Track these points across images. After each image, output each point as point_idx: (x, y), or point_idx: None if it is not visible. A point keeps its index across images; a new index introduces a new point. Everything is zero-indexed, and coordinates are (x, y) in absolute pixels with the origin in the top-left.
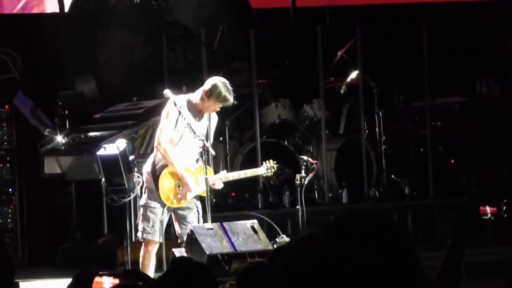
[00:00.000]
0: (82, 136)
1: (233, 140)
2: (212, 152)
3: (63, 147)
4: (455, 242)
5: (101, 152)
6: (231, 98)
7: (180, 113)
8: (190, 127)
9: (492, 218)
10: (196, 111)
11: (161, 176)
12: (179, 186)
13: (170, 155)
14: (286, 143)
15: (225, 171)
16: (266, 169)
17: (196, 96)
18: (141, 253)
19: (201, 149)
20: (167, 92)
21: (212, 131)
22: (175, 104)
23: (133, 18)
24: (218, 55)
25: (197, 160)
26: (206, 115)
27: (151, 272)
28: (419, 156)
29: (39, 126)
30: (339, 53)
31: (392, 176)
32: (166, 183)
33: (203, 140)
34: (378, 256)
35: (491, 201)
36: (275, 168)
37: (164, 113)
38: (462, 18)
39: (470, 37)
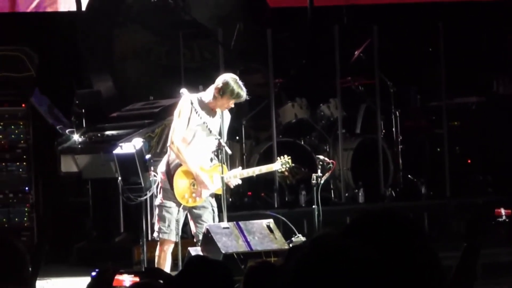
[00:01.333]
0: (99, 134)
1: (249, 139)
2: (228, 151)
3: (79, 146)
4: (470, 244)
5: (117, 150)
6: (244, 94)
7: (196, 111)
8: (206, 126)
9: (507, 220)
10: (209, 109)
11: (175, 175)
12: (194, 185)
13: (184, 154)
14: (302, 143)
15: (239, 167)
16: (280, 164)
17: (208, 94)
18: (157, 253)
19: (217, 148)
20: (183, 91)
21: (225, 129)
22: (192, 103)
23: (150, 17)
24: (234, 54)
25: (211, 159)
26: (218, 113)
27: (166, 270)
28: (435, 155)
29: (55, 124)
30: (356, 53)
31: (409, 175)
32: (180, 182)
33: (219, 139)
34: (395, 256)
35: (506, 203)
36: (290, 164)
37: (176, 112)
38: (478, 17)
39: (486, 36)
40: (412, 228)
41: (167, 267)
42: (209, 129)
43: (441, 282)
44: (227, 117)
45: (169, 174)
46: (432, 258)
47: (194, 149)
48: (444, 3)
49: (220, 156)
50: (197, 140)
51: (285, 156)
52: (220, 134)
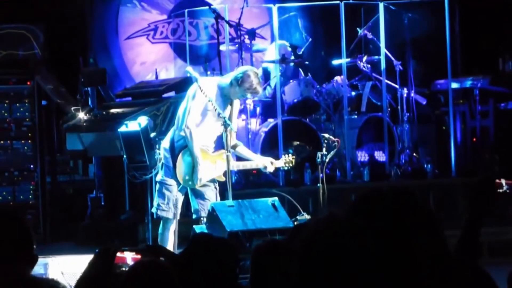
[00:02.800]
0: (104, 112)
1: (254, 118)
2: (234, 128)
3: (85, 124)
4: (472, 216)
5: (123, 129)
6: (260, 90)
7: (209, 100)
8: (219, 114)
9: (508, 191)
10: (223, 95)
11: (180, 155)
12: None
13: (194, 140)
14: (307, 121)
15: (239, 162)
16: (284, 162)
17: (225, 80)
18: (159, 230)
19: (223, 130)
20: (189, 69)
21: (234, 116)
22: (202, 90)
23: None
24: (240, 32)
25: (215, 141)
26: (229, 100)
27: (169, 248)
28: (441, 134)
29: (61, 102)
30: (362, 30)
31: (414, 154)
32: (184, 163)
33: (224, 118)
34: (400, 234)
35: (507, 174)
36: (293, 163)
37: (191, 93)
38: None
39: (491, 15)
40: (417, 205)
41: (170, 245)
42: (221, 116)
43: (445, 260)
44: (237, 105)
45: (174, 153)
46: (437, 235)
47: (202, 132)
48: None
49: (225, 136)
50: (206, 123)
51: (290, 155)
52: (229, 119)
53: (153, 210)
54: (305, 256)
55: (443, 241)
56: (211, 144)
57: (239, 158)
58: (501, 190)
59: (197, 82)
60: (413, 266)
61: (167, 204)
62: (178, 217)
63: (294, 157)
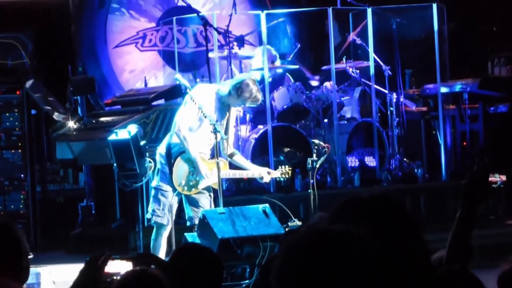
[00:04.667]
0: (94, 121)
1: (244, 124)
2: (223, 135)
3: (74, 132)
4: (464, 213)
5: (112, 137)
6: (260, 97)
7: (199, 107)
8: (214, 124)
9: (502, 186)
10: (221, 103)
11: (176, 161)
12: (192, 174)
13: (189, 143)
14: (297, 127)
15: (236, 171)
16: (280, 173)
17: (224, 89)
18: (152, 237)
19: (214, 136)
20: (178, 76)
21: (231, 124)
22: (192, 99)
23: (143, 2)
24: (229, 39)
25: (211, 149)
26: (228, 107)
27: (162, 255)
28: (431, 138)
29: (50, 111)
30: (350, 35)
31: (405, 159)
32: (180, 169)
33: (213, 124)
34: (382, 238)
35: (502, 169)
36: (289, 175)
37: (187, 99)
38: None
39: (480, 17)
40: (401, 212)
41: (162, 252)
42: (213, 125)
43: (429, 270)
44: (234, 113)
45: (169, 158)
46: (421, 244)
47: (198, 138)
48: None
49: (216, 142)
50: (202, 130)
51: (286, 166)
52: (226, 128)
53: (148, 216)
54: (284, 263)
55: (426, 248)
56: (207, 151)
57: (235, 167)
58: (495, 186)
59: (189, 90)
60: (399, 274)
61: (163, 210)
62: (172, 223)
63: (290, 168)
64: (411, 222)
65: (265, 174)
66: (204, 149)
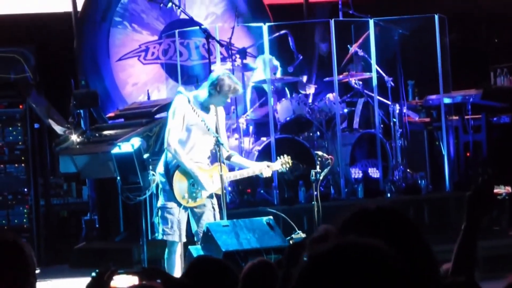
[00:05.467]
0: (97, 134)
1: (247, 136)
2: (227, 148)
3: (77, 146)
4: (469, 224)
5: (115, 150)
6: (240, 87)
7: (194, 110)
8: (204, 124)
9: (507, 198)
10: (204, 107)
11: (174, 175)
12: (193, 185)
13: (181, 155)
14: (300, 139)
15: (237, 172)
16: (280, 164)
17: (202, 93)
18: (165, 255)
19: (215, 145)
20: (180, 89)
21: (222, 125)
22: (189, 101)
23: (146, 15)
24: (231, 51)
25: (209, 157)
26: (213, 110)
27: (177, 273)
28: (434, 149)
29: (53, 125)
30: (353, 47)
31: (408, 170)
32: (180, 183)
33: (217, 137)
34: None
35: (506, 180)
36: (290, 164)
37: (170, 112)
38: (472, 8)
39: (482, 27)
40: (407, 224)
41: (177, 269)
42: (207, 127)
43: (437, 281)
44: (222, 113)
45: (168, 175)
46: (429, 256)
47: (191, 149)
48: None
49: (218, 153)
50: (193, 140)
51: (285, 156)
52: (216, 131)
53: (160, 236)
54: (310, 274)
55: (434, 260)
56: (204, 159)
57: (235, 168)
58: (500, 197)
59: (177, 99)
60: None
61: (171, 227)
62: (184, 239)
63: (289, 157)
64: (419, 234)
65: (264, 168)
66: (200, 157)
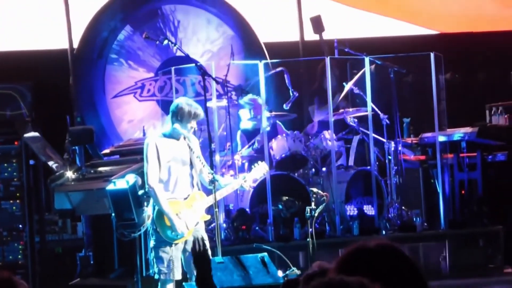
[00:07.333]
0: (92, 171)
1: (243, 173)
2: (221, 183)
3: (72, 183)
4: None
5: (110, 187)
6: (201, 112)
7: (164, 146)
8: (180, 158)
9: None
10: (173, 141)
11: (157, 217)
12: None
13: (159, 196)
14: (296, 176)
15: (216, 194)
16: (256, 173)
17: (166, 128)
18: None
19: (209, 181)
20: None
21: (198, 152)
22: (157, 141)
23: (142, 52)
24: (227, 89)
25: (197, 183)
26: (183, 141)
27: None
28: (430, 187)
29: (48, 161)
30: (348, 84)
31: (403, 207)
32: (163, 222)
33: (212, 173)
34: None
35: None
36: (266, 169)
37: (144, 157)
38: (469, 47)
39: (478, 66)
40: (405, 262)
41: None
42: (182, 160)
43: None
44: (195, 140)
45: (154, 217)
46: None
47: (175, 184)
48: (435, 35)
49: (214, 188)
50: (175, 174)
51: (259, 162)
52: (191, 161)
53: (156, 277)
54: None
55: None
56: (187, 191)
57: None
58: None
59: (146, 142)
60: None
61: (168, 266)
62: (179, 276)
63: (263, 161)
64: (418, 272)
65: (244, 182)
66: (186, 190)
